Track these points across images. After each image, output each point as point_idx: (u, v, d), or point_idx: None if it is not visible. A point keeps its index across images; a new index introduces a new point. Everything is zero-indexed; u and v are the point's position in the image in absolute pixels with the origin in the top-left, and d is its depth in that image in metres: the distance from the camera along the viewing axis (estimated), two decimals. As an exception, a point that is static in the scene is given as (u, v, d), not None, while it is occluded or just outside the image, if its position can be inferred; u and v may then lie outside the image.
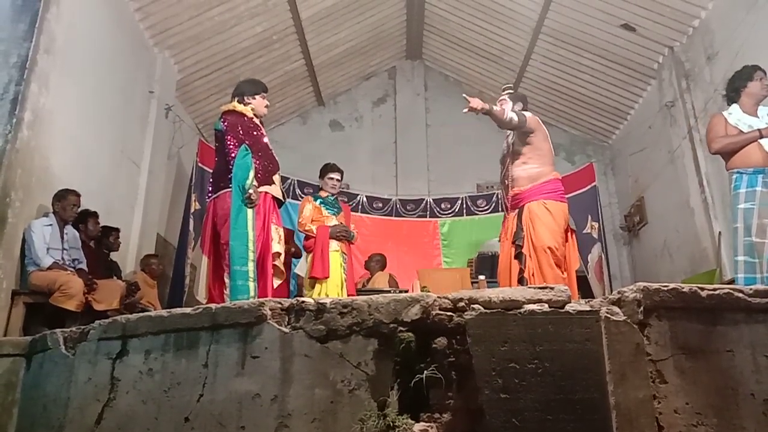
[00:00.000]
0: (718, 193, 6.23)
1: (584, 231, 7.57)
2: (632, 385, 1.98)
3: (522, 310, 2.02)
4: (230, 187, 3.59)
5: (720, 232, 6.09)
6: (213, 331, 2.34)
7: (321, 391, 2.09)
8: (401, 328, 2.08)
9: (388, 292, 5.24)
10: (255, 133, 3.80)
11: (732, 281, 3.96)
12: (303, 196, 7.40)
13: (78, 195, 4.61)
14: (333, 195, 5.21)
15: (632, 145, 8.32)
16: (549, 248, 3.70)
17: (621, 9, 6.77)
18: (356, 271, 7.28)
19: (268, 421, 2.10)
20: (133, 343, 2.54)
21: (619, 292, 2.16)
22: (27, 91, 4.41)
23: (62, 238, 4.49)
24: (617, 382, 1.96)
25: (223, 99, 6.84)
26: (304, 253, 5.46)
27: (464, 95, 3.86)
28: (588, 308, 2.06)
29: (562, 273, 3.75)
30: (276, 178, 3.90)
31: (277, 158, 3.95)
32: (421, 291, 4.08)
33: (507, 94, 4.20)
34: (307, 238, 5.05)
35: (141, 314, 2.66)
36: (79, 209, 4.70)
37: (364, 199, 8.78)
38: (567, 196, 4.12)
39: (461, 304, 2.09)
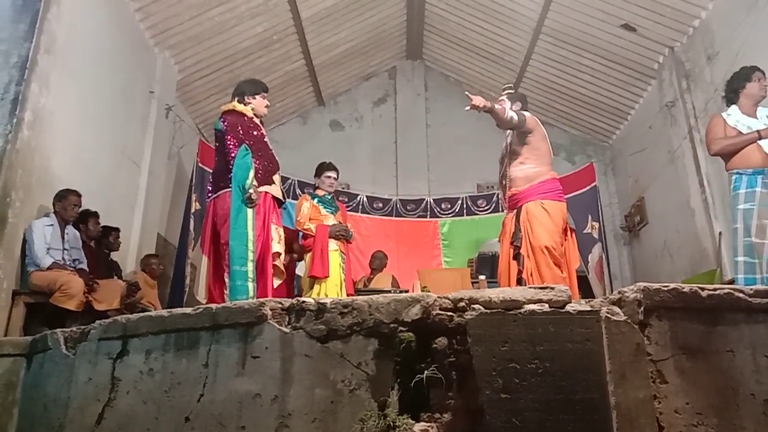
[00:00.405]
0: (718, 194, 6.23)
1: (585, 231, 7.57)
2: (632, 385, 1.98)
3: (522, 310, 2.02)
4: (230, 187, 3.58)
5: (720, 233, 6.09)
6: (213, 331, 2.34)
7: (321, 391, 2.09)
8: (402, 328, 2.08)
9: (389, 292, 5.24)
10: (255, 132, 3.80)
11: (732, 281, 3.96)
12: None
13: (79, 195, 4.61)
14: (330, 193, 5.21)
15: (632, 145, 8.32)
16: (546, 248, 3.70)
17: (621, 9, 6.77)
18: (357, 271, 7.29)
19: (268, 421, 2.10)
20: (134, 343, 2.54)
21: (619, 292, 2.16)
22: (27, 91, 4.41)
23: (63, 238, 4.49)
24: (617, 382, 1.96)
25: (224, 99, 6.83)
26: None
27: (467, 93, 3.87)
28: (588, 308, 2.06)
29: (562, 272, 3.75)
30: (276, 178, 3.90)
31: (277, 158, 3.95)
32: (422, 291, 4.08)
33: (507, 93, 4.21)
34: (305, 237, 5.04)
35: (141, 314, 2.66)
36: (80, 209, 4.70)
37: (365, 199, 8.78)
38: (567, 196, 4.12)
39: (462, 304, 2.09)
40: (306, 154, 8.52)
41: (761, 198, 3.49)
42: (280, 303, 2.30)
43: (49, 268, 4.26)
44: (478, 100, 3.74)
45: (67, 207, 4.53)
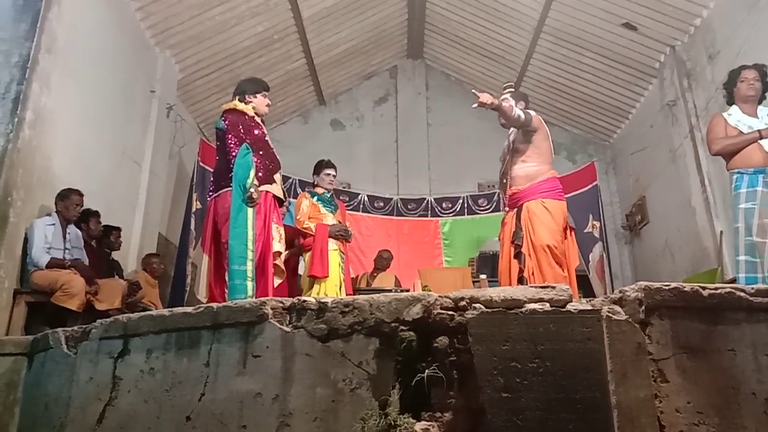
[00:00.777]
0: (719, 193, 6.23)
1: (585, 230, 7.57)
2: (634, 385, 1.98)
3: (523, 310, 2.02)
4: (231, 186, 3.58)
5: (721, 231, 6.09)
6: (214, 330, 2.34)
7: (322, 390, 2.09)
8: (402, 327, 2.08)
9: (389, 291, 5.24)
10: (256, 131, 3.80)
11: (733, 280, 3.96)
12: (303, 194, 7.38)
13: (81, 195, 4.61)
14: (329, 191, 5.18)
15: (633, 145, 8.31)
16: (548, 247, 3.71)
17: (622, 8, 6.76)
18: (357, 270, 7.29)
19: (269, 421, 2.10)
20: (135, 343, 2.54)
21: (620, 292, 2.16)
22: (28, 90, 4.42)
23: (65, 237, 4.50)
24: (619, 382, 1.96)
25: (224, 98, 6.83)
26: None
27: (473, 91, 3.86)
28: (589, 307, 2.06)
29: (563, 272, 3.75)
30: (277, 177, 3.90)
31: (278, 157, 3.94)
32: (423, 290, 4.08)
33: (508, 92, 4.20)
34: (304, 236, 5.01)
35: (142, 313, 2.67)
36: (82, 209, 4.71)
37: (366, 198, 8.78)
38: (568, 195, 4.13)
39: (462, 303, 2.09)
40: (307, 154, 8.49)
41: (762, 197, 3.49)
42: (281, 302, 2.30)
43: (48, 265, 4.27)
44: (486, 98, 3.73)
45: (69, 206, 4.53)
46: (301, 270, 5.18)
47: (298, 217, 5.02)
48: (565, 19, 7.38)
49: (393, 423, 1.95)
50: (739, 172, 3.60)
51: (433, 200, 8.93)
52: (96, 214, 5.05)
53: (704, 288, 2.17)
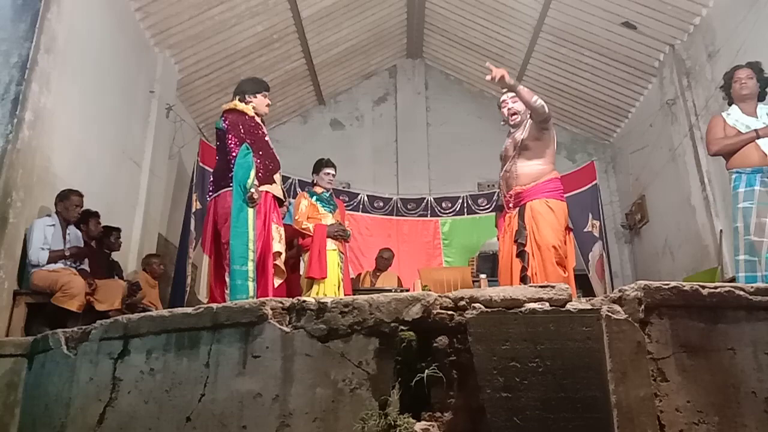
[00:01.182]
0: (719, 191, 6.23)
1: (585, 229, 7.57)
2: (633, 384, 1.98)
3: (523, 309, 2.02)
4: (231, 186, 3.58)
5: (721, 230, 6.09)
6: (214, 330, 2.34)
7: (322, 390, 2.09)
8: (402, 327, 2.08)
9: (389, 291, 5.23)
10: (256, 131, 3.79)
11: (733, 279, 3.96)
12: (302, 194, 7.38)
13: (81, 195, 4.61)
14: (328, 191, 5.17)
15: (633, 143, 8.31)
16: (553, 246, 3.70)
17: (622, 7, 6.76)
18: (357, 270, 7.29)
19: (269, 421, 2.10)
20: (135, 343, 2.54)
21: (620, 291, 2.16)
22: (28, 91, 4.41)
23: (65, 238, 4.50)
24: (618, 381, 1.96)
25: (224, 98, 6.84)
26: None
27: (487, 64, 3.70)
28: (589, 307, 2.06)
29: (564, 272, 3.74)
30: (277, 177, 3.90)
31: (278, 157, 3.94)
32: (422, 290, 4.08)
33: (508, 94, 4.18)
34: (302, 236, 5.00)
35: (142, 314, 2.66)
36: (81, 209, 4.70)
37: (365, 198, 8.78)
38: (568, 194, 4.12)
39: (462, 303, 2.09)
40: (306, 154, 8.49)
41: (760, 196, 3.50)
42: (281, 302, 2.30)
43: (49, 260, 4.28)
44: (498, 72, 3.57)
45: (69, 207, 4.53)
46: (301, 270, 5.18)
47: (296, 218, 5.00)
48: (565, 18, 7.38)
49: (393, 423, 1.95)
50: (738, 172, 3.62)
51: (432, 200, 8.92)
52: (96, 215, 5.05)
53: (704, 287, 2.17)
